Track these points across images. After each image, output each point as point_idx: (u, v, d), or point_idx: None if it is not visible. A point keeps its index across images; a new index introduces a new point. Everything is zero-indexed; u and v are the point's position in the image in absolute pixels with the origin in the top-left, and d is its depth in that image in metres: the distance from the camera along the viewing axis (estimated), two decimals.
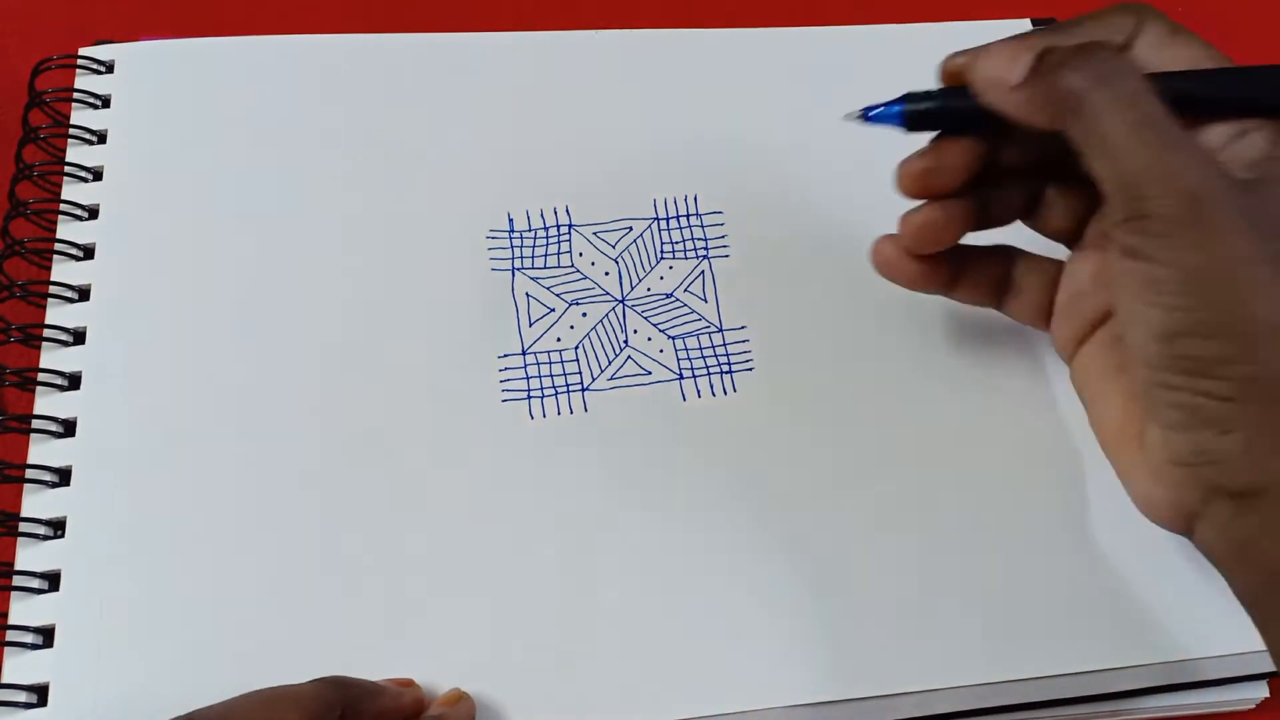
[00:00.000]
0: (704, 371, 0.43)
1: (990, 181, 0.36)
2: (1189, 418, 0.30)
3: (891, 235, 0.37)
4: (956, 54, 0.34)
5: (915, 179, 0.36)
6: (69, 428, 0.40)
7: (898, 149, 0.36)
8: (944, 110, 0.35)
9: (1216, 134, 0.33)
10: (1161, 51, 0.33)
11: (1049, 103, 0.31)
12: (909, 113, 0.35)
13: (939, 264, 0.37)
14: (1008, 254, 0.39)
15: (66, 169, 0.45)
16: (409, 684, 0.36)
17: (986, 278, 0.38)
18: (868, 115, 0.36)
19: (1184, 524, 0.32)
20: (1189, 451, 0.31)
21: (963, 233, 0.37)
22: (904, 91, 0.35)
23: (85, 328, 0.42)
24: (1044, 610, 0.38)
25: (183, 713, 0.31)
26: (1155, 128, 0.30)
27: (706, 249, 0.45)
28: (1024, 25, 0.50)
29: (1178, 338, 0.30)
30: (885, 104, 0.35)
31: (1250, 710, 0.39)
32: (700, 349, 0.43)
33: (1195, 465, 0.31)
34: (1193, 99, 0.33)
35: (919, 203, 0.36)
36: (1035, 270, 0.38)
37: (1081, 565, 0.38)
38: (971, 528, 0.39)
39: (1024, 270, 0.38)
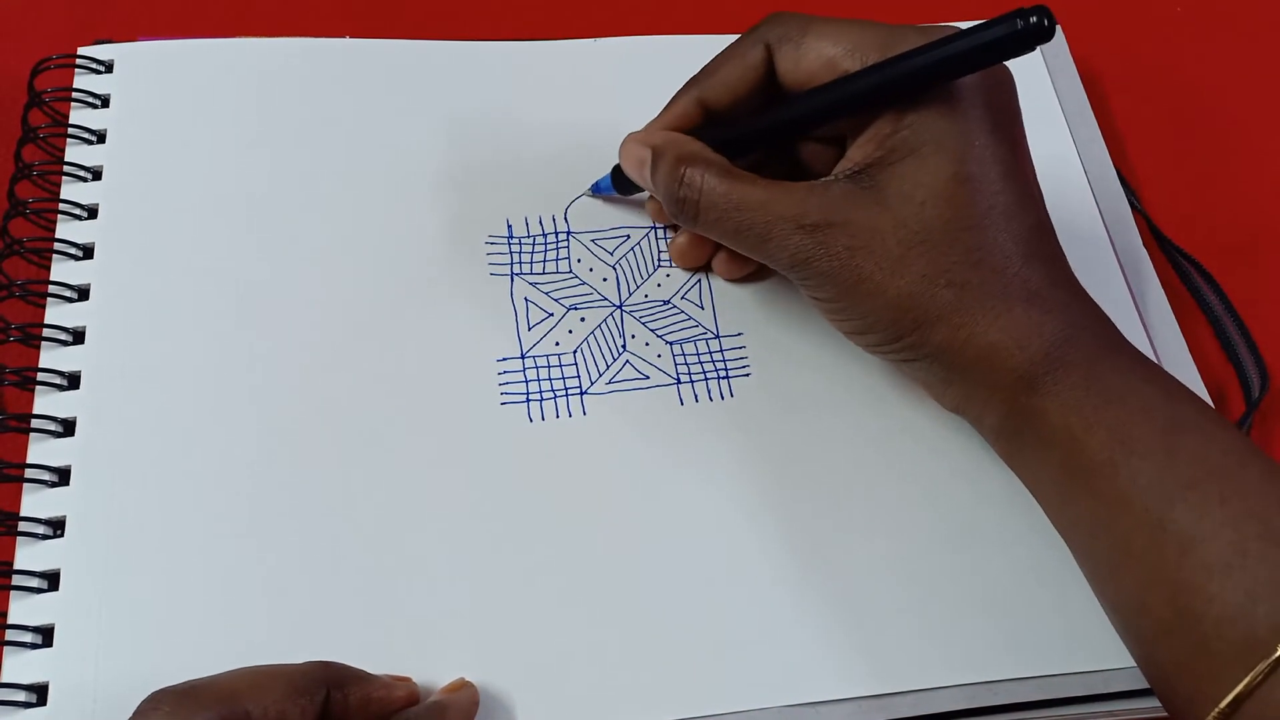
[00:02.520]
0: (701, 377, 0.43)
1: None
2: (895, 366, 0.40)
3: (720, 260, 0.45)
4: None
5: (657, 214, 0.45)
6: (68, 427, 0.40)
7: None
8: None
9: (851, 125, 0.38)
10: (799, 63, 0.38)
11: (675, 217, 0.40)
12: (616, 183, 0.45)
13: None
14: None
15: (66, 168, 0.45)
16: (404, 680, 0.36)
17: None
18: (595, 189, 0.46)
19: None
20: (912, 381, 0.41)
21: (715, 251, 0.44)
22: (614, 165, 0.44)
23: (84, 327, 0.42)
24: (1043, 610, 0.38)
25: None
26: (745, 232, 0.38)
27: None
28: None
29: (848, 335, 0.39)
30: (603, 177, 0.45)
31: None
32: (698, 354, 0.43)
33: (923, 389, 0.40)
34: (808, 118, 0.38)
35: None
36: None
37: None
38: (969, 529, 0.40)
39: None
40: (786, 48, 0.38)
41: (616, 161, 0.43)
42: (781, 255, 0.37)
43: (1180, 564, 0.32)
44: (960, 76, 0.36)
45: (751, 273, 0.44)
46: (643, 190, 0.43)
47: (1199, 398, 0.36)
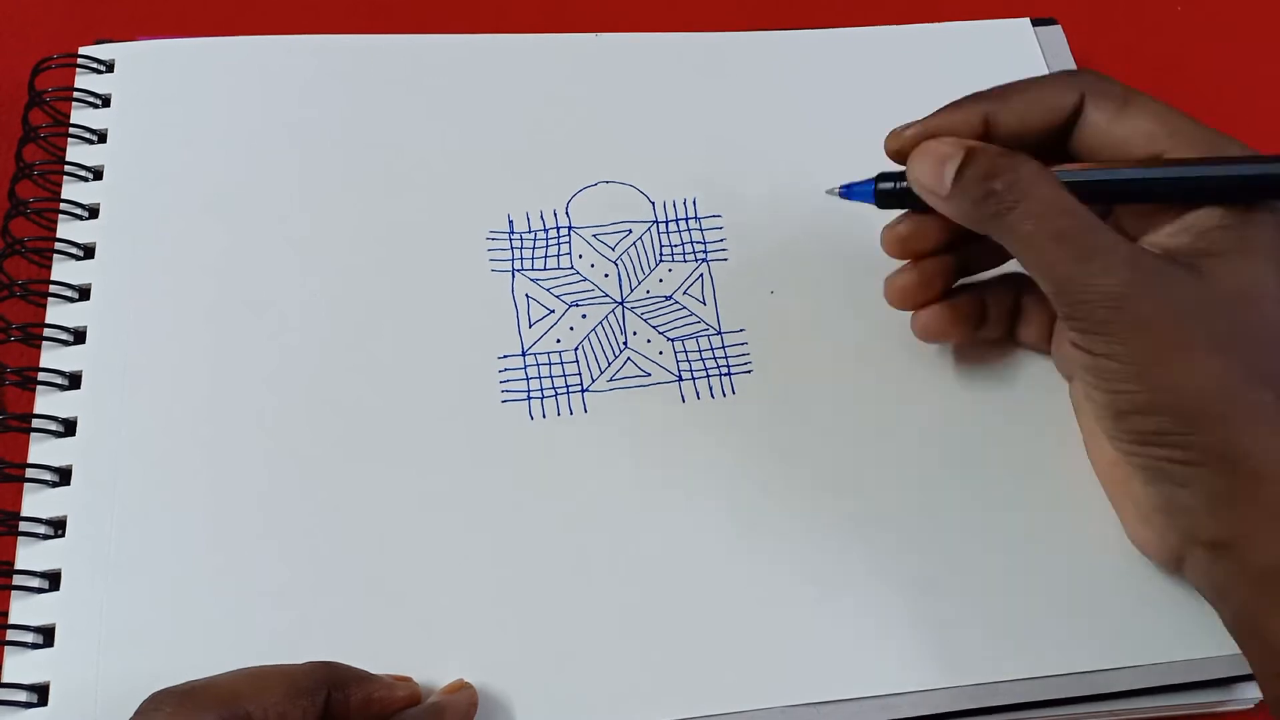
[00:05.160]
0: (703, 373, 0.43)
1: (970, 236, 0.38)
2: (1154, 474, 0.34)
3: (929, 309, 0.40)
4: (899, 130, 0.37)
5: (896, 243, 0.39)
6: (69, 427, 0.40)
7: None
8: (909, 193, 0.38)
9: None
10: (1114, 125, 0.36)
11: (976, 214, 0.35)
12: (880, 192, 0.38)
13: (967, 311, 0.40)
14: (1016, 282, 0.41)
15: (67, 168, 0.45)
16: (405, 680, 0.36)
17: (1001, 308, 0.41)
18: (847, 192, 0.39)
19: (1172, 564, 0.36)
20: (1163, 501, 0.35)
21: (944, 288, 0.40)
22: (878, 171, 0.38)
23: (85, 327, 0.42)
24: (1044, 610, 0.38)
25: None
26: (1073, 240, 0.33)
27: (705, 252, 0.45)
28: (1024, 25, 0.50)
29: (1123, 415, 0.34)
30: (861, 182, 0.39)
31: (1248, 710, 0.39)
32: (699, 351, 0.43)
33: (1171, 514, 0.34)
34: (1129, 191, 0.35)
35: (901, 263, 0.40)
36: (1039, 296, 0.38)
37: (1081, 566, 0.39)
38: (970, 528, 0.40)
39: (1030, 297, 0.41)
40: (1106, 104, 0.36)
41: (880, 170, 0.39)
42: (1099, 282, 0.33)
43: None
44: None
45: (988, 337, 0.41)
46: (903, 209, 0.39)
47: None
